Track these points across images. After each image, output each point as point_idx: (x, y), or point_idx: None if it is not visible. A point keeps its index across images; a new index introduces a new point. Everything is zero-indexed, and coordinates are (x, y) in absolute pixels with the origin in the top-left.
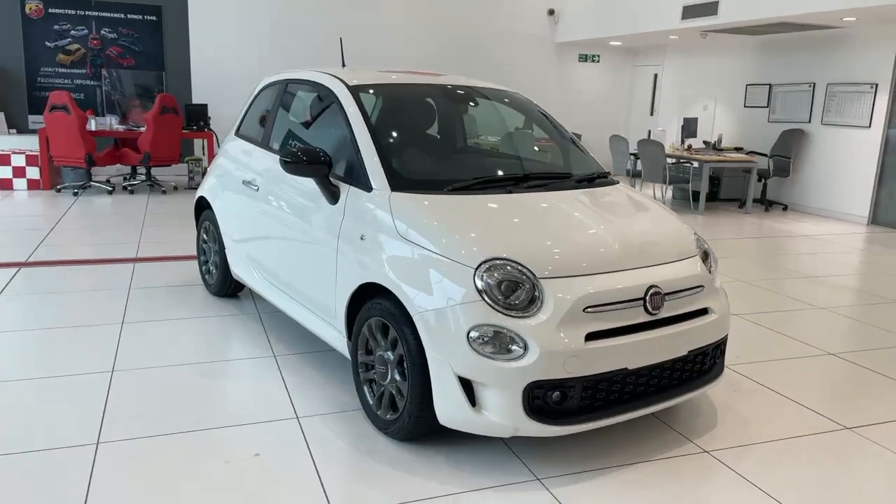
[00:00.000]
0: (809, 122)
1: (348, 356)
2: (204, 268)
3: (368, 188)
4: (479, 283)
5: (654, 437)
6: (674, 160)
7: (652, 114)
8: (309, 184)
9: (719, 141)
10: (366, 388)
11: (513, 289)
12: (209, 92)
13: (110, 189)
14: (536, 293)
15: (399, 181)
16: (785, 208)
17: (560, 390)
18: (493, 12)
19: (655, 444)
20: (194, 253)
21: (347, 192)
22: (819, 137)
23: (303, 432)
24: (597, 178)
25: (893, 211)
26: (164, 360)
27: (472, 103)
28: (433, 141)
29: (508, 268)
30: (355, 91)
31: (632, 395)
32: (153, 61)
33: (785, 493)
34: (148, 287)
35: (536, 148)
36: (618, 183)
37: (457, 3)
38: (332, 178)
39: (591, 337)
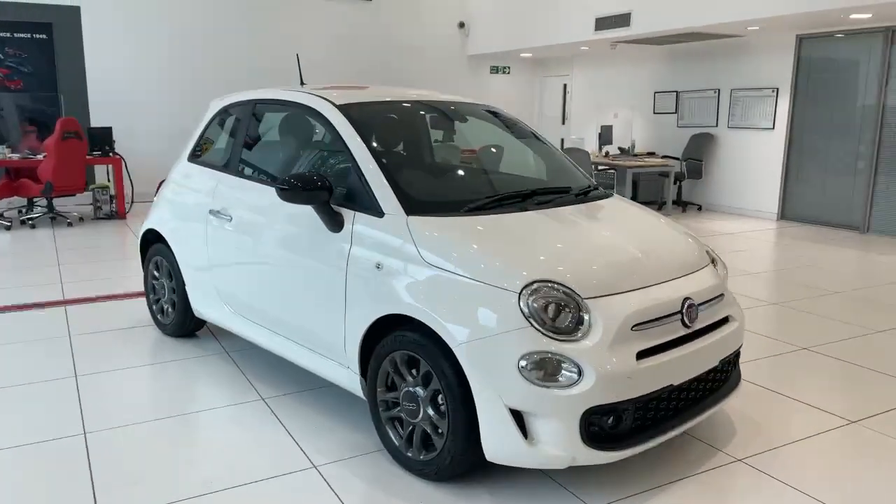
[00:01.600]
0: (716, 126)
1: (360, 394)
2: (155, 307)
3: (379, 213)
4: (525, 308)
5: (686, 452)
6: (597, 167)
7: (563, 123)
8: (302, 212)
9: (633, 147)
10: (388, 428)
11: (558, 312)
12: (109, 114)
13: (7, 224)
14: (583, 314)
15: (412, 204)
16: (700, 208)
17: (615, 414)
18: (405, 25)
19: (690, 458)
20: (131, 291)
21: (353, 218)
22: (726, 140)
23: (327, 482)
24: (591, 191)
25: (799, 205)
26: (140, 414)
27: (459, 120)
28: (431, 159)
29: (553, 290)
30: (345, 111)
31: (675, 411)
32: (45, 83)
33: (826, 492)
34: (91, 332)
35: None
36: (612, 194)
37: (367, 15)
38: (332, 205)
39: (640, 355)
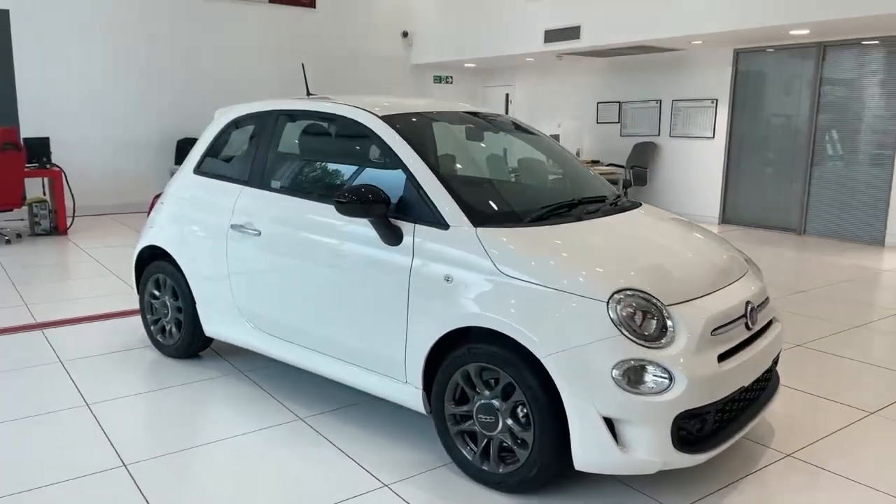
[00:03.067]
0: (659, 135)
1: (419, 410)
2: (154, 327)
3: (444, 226)
4: (614, 317)
5: (738, 451)
6: None
7: None
8: (353, 226)
9: (578, 155)
10: (458, 443)
11: (644, 319)
12: (41, 124)
13: None
14: (667, 321)
15: (476, 216)
16: None
17: (700, 417)
18: (348, 33)
19: (743, 456)
20: (109, 311)
21: (413, 231)
22: (669, 148)
23: (406, 502)
24: (618, 200)
25: (740, 209)
26: (177, 441)
27: (492, 131)
28: (480, 170)
29: (637, 298)
30: (390, 122)
31: (741, 411)
32: None
33: (876, 479)
34: (84, 357)
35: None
36: (641, 203)
37: (311, 23)
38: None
39: (720, 358)
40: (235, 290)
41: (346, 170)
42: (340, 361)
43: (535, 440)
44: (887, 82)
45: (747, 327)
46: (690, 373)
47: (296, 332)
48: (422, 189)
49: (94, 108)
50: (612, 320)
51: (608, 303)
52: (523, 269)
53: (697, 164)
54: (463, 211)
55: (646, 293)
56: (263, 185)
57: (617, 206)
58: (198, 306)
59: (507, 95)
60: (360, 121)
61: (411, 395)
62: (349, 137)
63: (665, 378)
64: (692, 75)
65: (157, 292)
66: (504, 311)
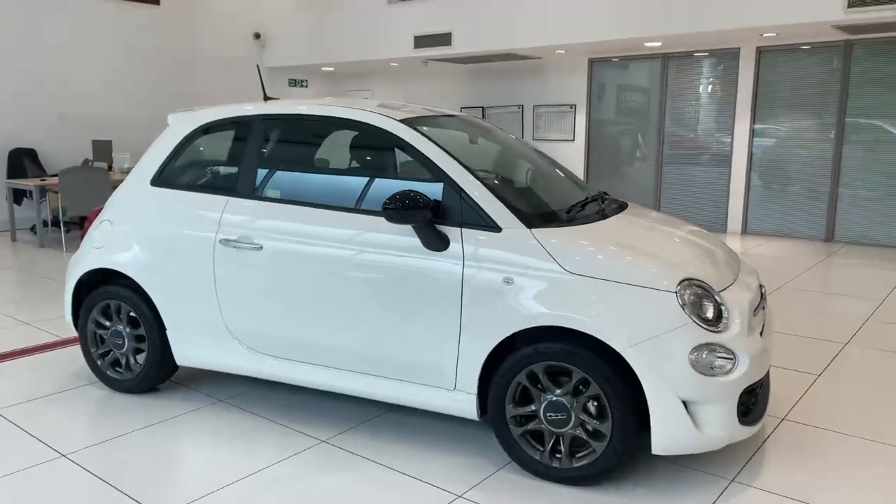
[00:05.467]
0: (523, 137)
1: (471, 416)
2: (102, 361)
3: (495, 228)
4: (684, 305)
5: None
6: None
7: None
8: (387, 234)
9: None
10: (522, 444)
11: (706, 305)
12: None
13: None
14: (720, 306)
15: (526, 217)
16: None
17: (753, 391)
18: (196, 33)
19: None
20: (18, 348)
21: (461, 235)
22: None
23: None
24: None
25: None
26: (207, 482)
27: (484, 134)
28: (499, 172)
29: (696, 286)
30: (413, 126)
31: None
32: None
33: (859, 429)
34: (22, 402)
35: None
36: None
37: (154, 22)
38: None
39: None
40: (226, 311)
41: (370, 177)
42: (369, 376)
43: (614, 431)
44: (718, 89)
45: (762, 309)
46: (749, 352)
47: (311, 350)
48: (464, 193)
49: None
50: (683, 309)
51: (676, 292)
52: (590, 266)
53: (561, 162)
54: (514, 213)
55: (702, 281)
56: (258, 195)
57: (621, 205)
58: (169, 332)
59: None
60: (380, 125)
61: (461, 402)
62: (367, 142)
63: (730, 358)
64: (551, 82)
65: (105, 322)
66: (577, 308)
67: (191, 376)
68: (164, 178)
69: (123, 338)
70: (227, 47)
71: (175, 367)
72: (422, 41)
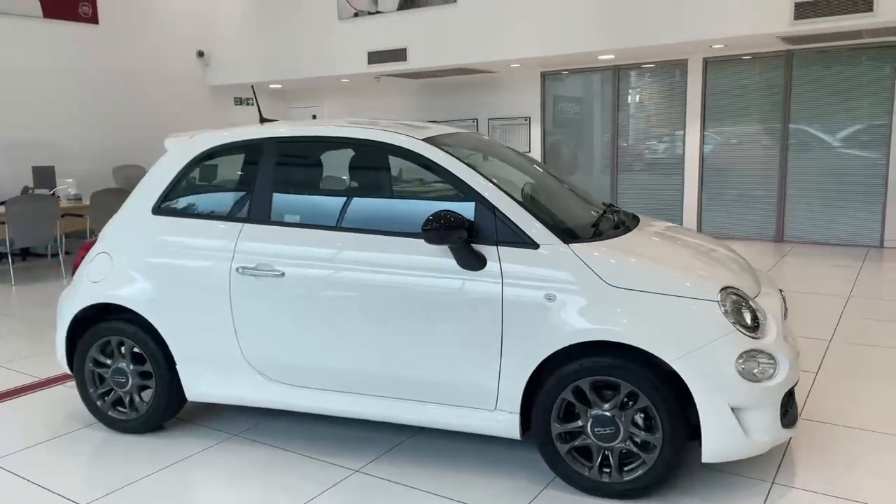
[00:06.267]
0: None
1: (512, 435)
2: (103, 402)
3: (532, 245)
4: (726, 314)
5: None
6: None
7: None
8: (420, 256)
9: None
10: (569, 461)
11: (744, 313)
12: None
13: None
14: (756, 313)
15: (559, 232)
16: None
17: (790, 394)
18: (136, 52)
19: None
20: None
21: (497, 254)
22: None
23: None
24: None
25: None
26: None
27: (494, 148)
28: (518, 188)
29: (734, 294)
30: (437, 145)
31: None
32: None
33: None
34: (20, 450)
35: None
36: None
37: (94, 40)
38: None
39: None
40: (245, 343)
41: (397, 198)
42: (405, 401)
43: (665, 441)
44: (669, 99)
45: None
46: (789, 356)
47: (343, 378)
48: (498, 211)
49: None
50: (727, 317)
51: (719, 301)
52: (631, 279)
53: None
54: (549, 230)
55: (738, 289)
56: (275, 220)
57: (634, 217)
58: (179, 367)
59: (314, 117)
60: (403, 145)
61: (502, 422)
62: (384, 163)
63: (772, 363)
64: (504, 96)
65: (106, 360)
66: (623, 321)
67: (194, 411)
68: (168, 206)
69: (127, 375)
70: (171, 66)
71: (182, 403)
72: (376, 57)
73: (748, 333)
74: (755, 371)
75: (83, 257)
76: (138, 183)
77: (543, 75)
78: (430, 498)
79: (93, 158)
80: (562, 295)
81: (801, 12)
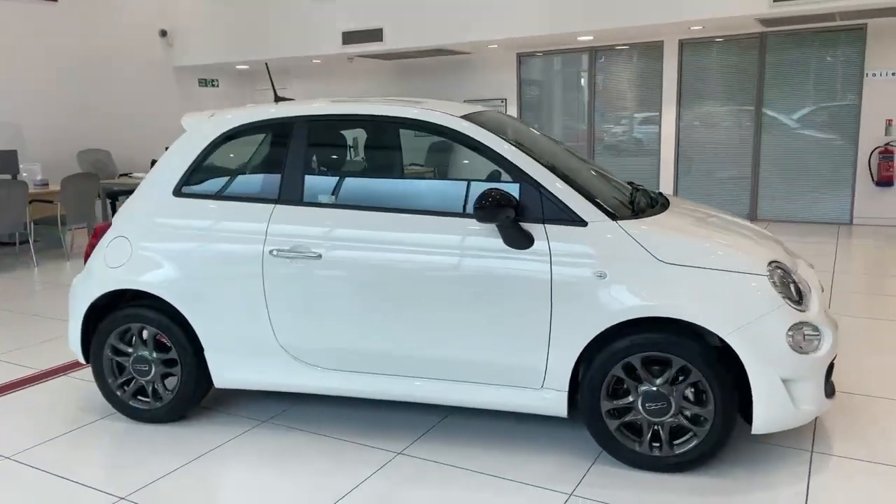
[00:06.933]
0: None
1: (559, 413)
2: (123, 392)
3: (581, 223)
4: (775, 288)
5: None
6: None
7: None
8: (467, 236)
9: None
10: (619, 437)
11: (789, 286)
12: None
13: None
14: (798, 285)
15: (606, 209)
16: None
17: (831, 365)
18: (97, 31)
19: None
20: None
21: (545, 232)
22: (411, 147)
23: None
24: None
25: None
26: None
27: (518, 126)
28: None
29: (779, 268)
30: (478, 123)
31: None
32: None
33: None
34: (34, 446)
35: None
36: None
37: (52, 19)
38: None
39: None
40: (279, 327)
41: (437, 177)
42: (446, 381)
43: (717, 415)
44: (645, 80)
45: None
46: (831, 327)
47: (384, 360)
48: (544, 188)
49: None
50: (776, 290)
51: (768, 276)
52: (682, 255)
53: (434, 158)
54: (597, 207)
55: (782, 263)
56: (309, 201)
57: (660, 193)
58: (207, 354)
59: (284, 99)
60: (448, 125)
61: (549, 401)
62: (430, 142)
63: (817, 335)
64: (480, 77)
65: (126, 349)
66: (676, 297)
67: (213, 399)
68: (190, 188)
69: (149, 364)
70: (133, 46)
71: (207, 390)
72: (351, 37)
73: (795, 306)
74: (802, 343)
75: (96, 242)
76: (155, 165)
77: (519, 56)
78: (482, 478)
79: (55, 142)
80: (612, 272)
81: None
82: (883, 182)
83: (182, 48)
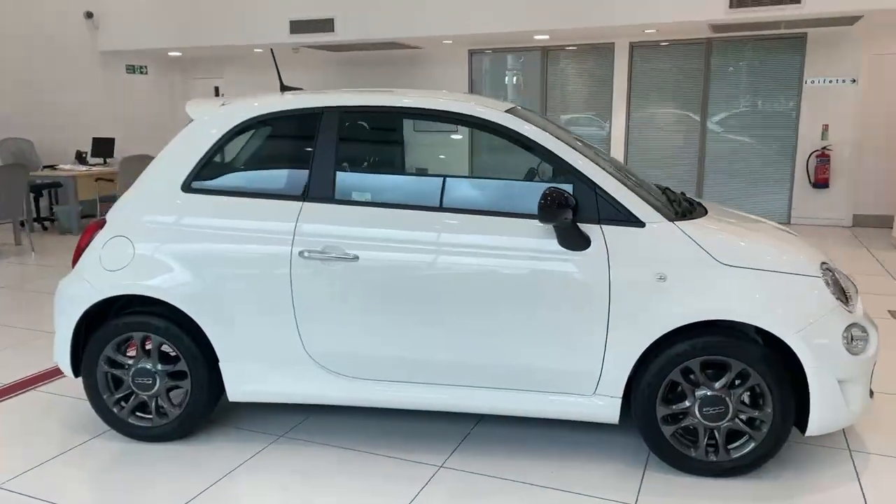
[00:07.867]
0: (404, 130)
1: (611, 420)
2: (120, 408)
3: (639, 224)
4: (828, 288)
5: None
6: None
7: None
8: (518, 237)
9: None
10: (674, 443)
11: (840, 287)
12: None
13: None
14: (843, 287)
15: (663, 211)
16: None
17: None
18: (14, 11)
19: None
20: None
21: (602, 233)
22: (417, 143)
23: None
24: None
25: None
26: None
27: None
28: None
29: (827, 270)
30: (523, 118)
31: None
32: None
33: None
34: (26, 471)
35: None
36: None
37: None
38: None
39: None
40: (307, 334)
41: (485, 176)
42: (490, 389)
43: (776, 418)
44: (595, 81)
45: None
46: (874, 327)
47: (427, 368)
48: (599, 188)
49: None
50: (831, 292)
51: (822, 276)
52: (741, 257)
53: (448, 156)
54: (654, 208)
55: (830, 264)
56: (342, 199)
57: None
58: (222, 364)
59: (217, 89)
60: (490, 119)
61: (602, 407)
62: (465, 138)
63: (865, 336)
64: (430, 73)
65: (125, 361)
66: (739, 299)
67: (221, 411)
68: (202, 182)
69: (153, 376)
70: (55, 29)
71: (215, 405)
72: (299, 26)
73: (846, 307)
74: (855, 344)
75: (86, 242)
76: (157, 156)
77: (471, 53)
78: (544, 492)
79: None
80: (673, 274)
81: (738, 1)
82: (819, 184)
83: (109, 31)
